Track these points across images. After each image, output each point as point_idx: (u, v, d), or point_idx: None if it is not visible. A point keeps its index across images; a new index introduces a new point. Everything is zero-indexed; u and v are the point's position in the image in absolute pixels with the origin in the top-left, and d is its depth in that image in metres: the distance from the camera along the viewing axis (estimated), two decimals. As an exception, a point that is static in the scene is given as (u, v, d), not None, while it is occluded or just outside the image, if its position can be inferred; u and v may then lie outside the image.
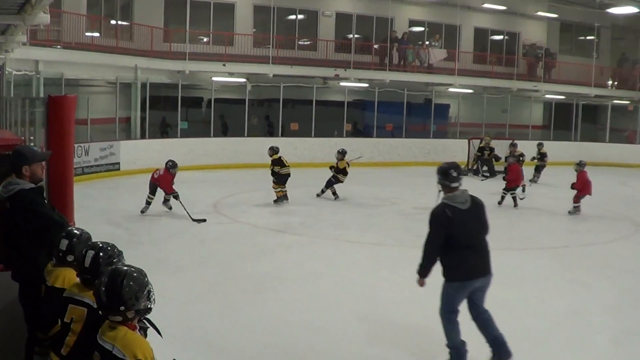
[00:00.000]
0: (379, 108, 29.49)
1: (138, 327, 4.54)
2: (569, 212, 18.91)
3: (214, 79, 26.81)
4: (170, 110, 25.74)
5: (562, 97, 35.34)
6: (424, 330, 9.21)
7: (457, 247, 7.80)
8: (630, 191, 25.19)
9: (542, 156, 25.37)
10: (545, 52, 35.99)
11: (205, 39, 28.75)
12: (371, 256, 13.51)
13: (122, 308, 4.31)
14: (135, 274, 4.42)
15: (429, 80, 31.62)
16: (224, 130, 28.22)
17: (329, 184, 19.59)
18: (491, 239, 14.69)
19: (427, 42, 32.74)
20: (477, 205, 7.93)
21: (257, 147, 25.44)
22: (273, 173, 18.66)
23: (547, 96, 35.10)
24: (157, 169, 16.85)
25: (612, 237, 16.52)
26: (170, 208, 16.72)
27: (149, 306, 4.45)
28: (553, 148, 29.38)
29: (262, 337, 8.70)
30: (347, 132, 28.84)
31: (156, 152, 23.60)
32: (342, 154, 19.65)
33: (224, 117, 28.09)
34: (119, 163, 22.91)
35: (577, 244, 15.58)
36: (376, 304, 10.36)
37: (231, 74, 27.21)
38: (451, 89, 31.99)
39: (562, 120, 34.72)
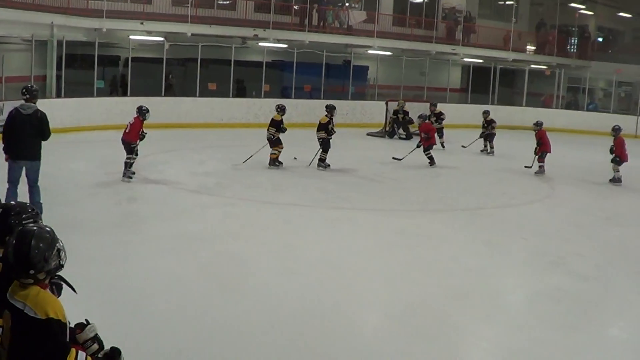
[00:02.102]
0: (298, 69, 29.74)
1: (49, 286, 4.71)
2: (535, 172, 20.13)
3: (132, 37, 26.73)
4: (87, 69, 25.53)
5: (480, 61, 36.07)
6: (338, 286, 9.77)
7: None
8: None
9: (489, 124, 25.29)
10: (465, 16, 36.49)
11: (123, -3, 28.54)
12: (288, 217, 13.89)
13: (31, 272, 4.42)
14: (43, 234, 4.51)
15: (348, 42, 31.99)
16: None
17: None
18: (407, 201, 15.21)
19: (347, 4, 33.00)
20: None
21: (174, 107, 25.52)
22: (278, 132, 18.74)
23: (466, 60, 35.76)
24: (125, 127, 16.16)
25: (527, 199, 17.23)
26: (130, 177, 16.04)
27: (60, 264, 4.56)
28: (470, 112, 30.09)
29: (178, 296, 8.93)
30: (265, 93, 28.92)
31: (72, 111, 23.58)
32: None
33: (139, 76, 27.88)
34: (34, 122, 22.64)
35: (492, 206, 16.22)
36: (291, 262, 10.78)
37: (149, 33, 27.15)
38: (370, 51, 32.39)
39: (479, 84, 35.42)
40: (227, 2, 31.01)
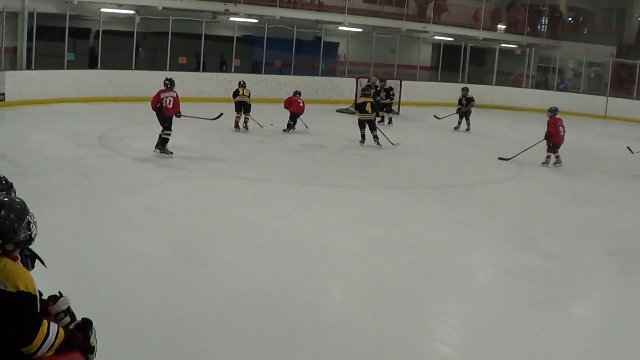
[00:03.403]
0: (268, 45, 29.67)
1: (19, 258, 4.71)
2: (543, 163, 19.13)
3: (103, 10, 26.54)
4: (58, 41, 25.35)
5: (451, 39, 36.05)
6: (306, 262, 9.84)
7: None
8: (515, 134, 25.99)
9: (468, 101, 25.40)
10: (435, -6, 36.54)
11: (95, -31, 28.28)
12: (257, 192, 13.92)
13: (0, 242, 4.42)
14: (13, 205, 4.50)
15: (319, 18, 31.93)
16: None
17: None
18: (376, 178, 15.30)
19: (319, -21, 32.90)
20: None
21: (144, 81, 25.41)
22: None
23: (436, 38, 35.77)
24: (158, 99, 16.17)
25: (495, 178, 17.31)
26: (171, 153, 16.29)
27: (30, 236, 4.54)
28: (440, 90, 30.29)
29: (147, 270, 8.96)
30: (235, 68, 28.83)
31: (42, 83, 23.46)
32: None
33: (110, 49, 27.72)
34: (3, 94, 22.72)
35: (460, 184, 16.28)
36: (259, 237, 10.75)
37: (120, 6, 26.94)
38: (341, 28, 32.37)
39: (450, 62, 35.57)
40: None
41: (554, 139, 18.89)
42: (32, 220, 4.57)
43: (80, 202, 12.07)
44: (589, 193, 16.65)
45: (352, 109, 26.02)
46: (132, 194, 12.92)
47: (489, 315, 8.50)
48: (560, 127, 18.95)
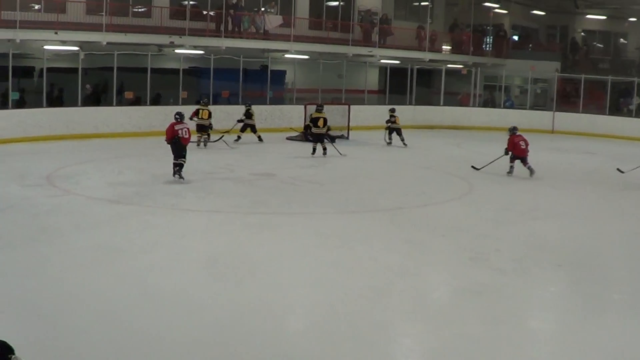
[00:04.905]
0: (215, 75, 29.58)
1: None
2: (507, 173, 20.59)
3: (46, 47, 26.30)
4: (1, 80, 25.09)
5: (397, 62, 36.20)
6: (260, 291, 9.81)
7: None
8: (464, 153, 26.18)
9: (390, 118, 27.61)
10: (381, 18, 36.70)
11: (36, 7, 28.04)
12: (207, 224, 13.88)
13: None
14: None
15: (265, 47, 31.92)
16: (58, 100, 27.71)
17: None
18: (327, 203, 15.31)
19: (262, 9, 32.89)
20: None
21: (90, 117, 25.22)
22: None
23: (383, 61, 35.94)
24: (174, 132, 17.52)
25: (446, 197, 17.46)
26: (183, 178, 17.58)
27: None
28: (388, 113, 30.09)
29: (97, 308, 8.82)
30: (182, 100, 28.70)
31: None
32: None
33: (55, 86, 27.49)
34: (-54, 136, 22.31)
35: (411, 205, 16.37)
36: (212, 269, 10.78)
37: (64, 43, 26.73)
38: (287, 55, 32.41)
39: (397, 85, 35.71)
40: (142, 9, 30.72)
41: (515, 153, 20.39)
42: None
43: (28, 243, 11.83)
44: (539, 207, 16.81)
45: (302, 136, 26.10)
46: (81, 232, 12.68)
47: (445, 333, 8.56)
48: (521, 142, 20.33)
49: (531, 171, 20.27)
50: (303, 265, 11.12)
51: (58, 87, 27.64)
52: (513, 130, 20.71)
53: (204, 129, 24.28)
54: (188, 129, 17.83)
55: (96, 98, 28.81)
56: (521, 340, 8.54)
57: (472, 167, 21.43)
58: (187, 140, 17.71)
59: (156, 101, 28.86)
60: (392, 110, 27.97)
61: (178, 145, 17.52)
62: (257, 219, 14.29)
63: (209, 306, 9.07)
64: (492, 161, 20.87)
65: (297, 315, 9.18)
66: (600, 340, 8.61)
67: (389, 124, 27.63)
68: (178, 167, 17.57)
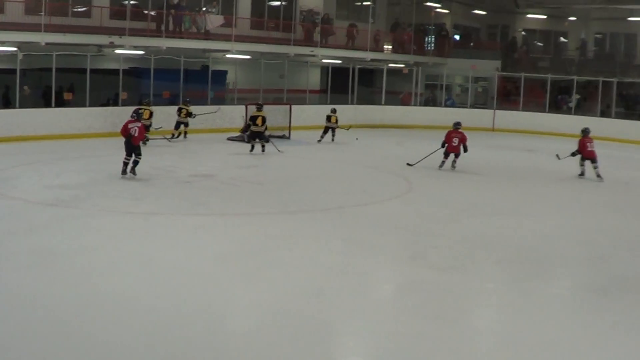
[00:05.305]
0: (156, 75, 29.29)
1: None
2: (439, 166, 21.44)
3: (-17, 48, 25.94)
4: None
5: (339, 61, 36.21)
6: (200, 293, 9.78)
7: None
8: (406, 151, 26.24)
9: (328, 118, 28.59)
10: (322, 18, 36.71)
11: (-27, 7, 27.65)
12: (147, 226, 13.74)
13: None
14: None
15: (206, 47, 31.71)
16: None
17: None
18: (267, 204, 15.26)
19: (204, 9, 32.74)
20: None
21: (29, 119, 24.91)
22: None
23: (324, 61, 35.90)
24: (128, 129, 18.21)
25: (386, 196, 17.54)
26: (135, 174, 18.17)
27: None
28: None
29: (35, 312, 8.74)
30: (123, 101, 28.43)
31: None
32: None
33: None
34: None
35: (352, 205, 16.35)
36: (151, 272, 10.69)
37: (2, 43, 26.36)
38: (228, 55, 32.21)
39: (339, 84, 35.65)
40: (82, 9, 30.38)
41: (448, 149, 21.30)
42: None
43: (-37, 248, 11.65)
44: (479, 204, 16.97)
45: (243, 136, 26.04)
46: (19, 236, 12.38)
47: (385, 331, 8.66)
48: (455, 139, 21.08)
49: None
50: (243, 266, 11.08)
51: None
52: (455, 125, 21.54)
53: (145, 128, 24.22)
54: (139, 127, 18.42)
55: (35, 99, 28.46)
56: (461, 336, 8.63)
57: (407, 164, 21.98)
58: (137, 139, 18.20)
59: (95, 102, 28.56)
60: (332, 110, 28.85)
61: (128, 144, 18.16)
62: (196, 220, 14.20)
63: (150, 309, 9.00)
64: (426, 157, 21.66)
65: (239, 317, 9.13)
66: (539, 334, 8.72)
67: (327, 123, 28.56)
68: (126, 165, 18.13)
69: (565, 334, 8.84)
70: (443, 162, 21.35)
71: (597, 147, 21.28)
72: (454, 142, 21.21)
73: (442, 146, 21.41)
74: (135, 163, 18.24)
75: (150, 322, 8.53)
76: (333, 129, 28.54)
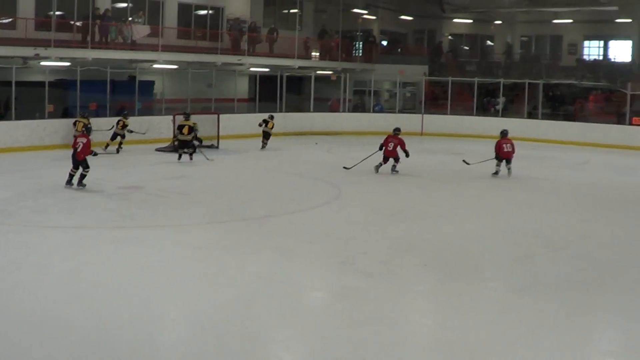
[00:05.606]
0: (82, 87, 28.96)
1: None
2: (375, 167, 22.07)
3: None
4: None
5: (267, 69, 36.23)
6: (128, 307, 9.66)
7: None
8: (334, 158, 26.35)
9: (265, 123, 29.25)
10: (249, 26, 36.67)
11: None
12: (73, 240, 13.47)
13: None
14: None
15: (132, 57, 31.46)
16: None
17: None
18: (195, 214, 15.17)
19: (130, 19, 32.51)
20: None
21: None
22: None
23: (252, 69, 35.88)
24: (75, 143, 18.38)
25: (315, 203, 17.55)
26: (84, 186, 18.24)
27: None
28: (259, 120, 30.14)
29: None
30: (49, 114, 28.06)
31: None
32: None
33: None
34: None
35: (280, 213, 16.37)
36: (79, 287, 10.48)
37: None
38: (155, 65, 31.98)
39: (267, 93, 35.63)
40: (7, 20, 29.98)
41: (385, 152, 21.97)
42: None
43: None
44: (407, 208, 17.12)
45: (172, 147, 25.96)
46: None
47: (315, 338, 8.70)
48: (391, 143, 21.97)
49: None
50: (170, 278, 10.99)
51: None
52: (394, 131, 22.45)
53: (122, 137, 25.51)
54: (84, 142, 18.26)
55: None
56: (391, 340, 8.66)
57: (344, 167, 22.48)
58: (80, 153, 18.16)
59: (21, 115, 28.18)
60: (270, 117, 29.42)
61: (72, 157, 18.32)
62: (123, 233, 14.04)
63: (76, 324, 8.87)
64: (362, 160, 22.14)
65: (166, 330, 9.05)
66: (468, 335, 8.85)
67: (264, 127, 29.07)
68: (71, 177, 18.28)
69: (493, 333, 8.97)
70: (380, 164, 21.89)
71: (525, 148, 22.00)
72: (389, 147, 21.85)
73: (380, 149, 22.01)
74: (82, 176, 18.28)
75: (76, 337, 8.41)
76: (268, 135, 28.95)
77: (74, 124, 24.19)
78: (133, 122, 27.68)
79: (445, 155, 27.98)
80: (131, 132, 26.78)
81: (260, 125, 29.14)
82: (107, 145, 26.01)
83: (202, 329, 8.86)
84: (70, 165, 18.30)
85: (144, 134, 27.88)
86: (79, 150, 18.19)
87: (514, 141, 22.43)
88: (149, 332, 8.80)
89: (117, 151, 26.03)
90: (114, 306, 9.59)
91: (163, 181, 20.00)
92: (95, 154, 18.75)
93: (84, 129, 19.47)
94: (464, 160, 23.24)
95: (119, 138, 26.43)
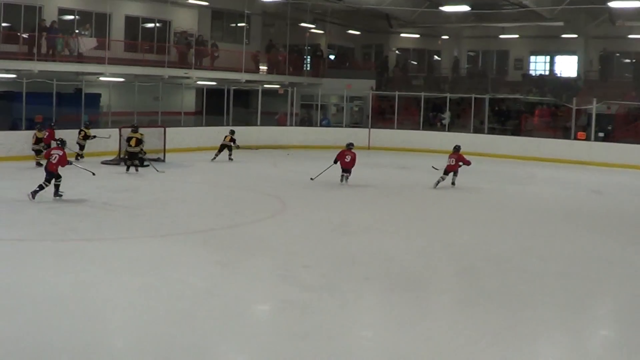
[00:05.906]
0: (28, 99, 28.70)
1: None
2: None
3: None
4: None
5: (214, 83, 36.24)
6: (68, 322, 9.57)
7: None
8: (280, 172, 26.42)
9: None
10: (197, 40, 36.67)
11: None
12: (13, 253, 13.27)
13: None
14: None
15: (79, 70, 31.33)
16: None
17: None
18: (139, 227, 15.10)
19: (77, 31, 32.37)
20: None
21: None
22: None
23: (200, 82, 35.91)
24: (48, 154, 18.81)
25: (259, 217, 17.54)
26: (61, 195, 18.50)
27: None
28: (206, 134, 30.31)
29: None
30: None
31: None
32: None
33: None
34: None
35: (223, 226, 16.35)
36: (19, 301, 10.33)
37: None
38: (102, 78, 31.90)
39: (214, 106, 35.66)
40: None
41: (342, 165, 22.92)
42: None
43: None
44: (349, 222, 17.16)
45: (117, 159, 25.89)
46: None
47: (256, 351, 8.73)
48: (347, 157, 22.87)
49: (345, 179, 22.91)
50: (111, 292, 10.92)
51: None
52: (347, 145, 23.45)
53: (39, 153, 25.22)
54: (60, 155, 18.35)
55: None
56: (332, 353, 8.71)
57: (311, 178, 23.08)
58: (52, 165, 18.20)
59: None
60: (230, 132, 29.76)
61: (45, 169, 18.49)
62: (65, 246, 13.95)
63: (13, 339, 8.75)
64: (323, 171, 22.83)
65: (104, 344, 8.95)
66: (411, 348, 8.93)
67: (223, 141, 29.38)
68: (40, 189, 18.19)
69: (435, 346, 9.05)
70: (342, 177, 22.83)
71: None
72: (346, 159, 22.81)
73: (335, 162, 22.83)
74: (56, 187, 18.42)
75: (15, 353, 8.35)
76: (229, 148, 29.07)
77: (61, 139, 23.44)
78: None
79: (392, 169, 28.18)
80: (94, 137, 27.32)
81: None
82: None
83: (143, 343, 8.87)
84: (42, 177, 18.43)
85: (108, 137, 27.83)
86: (53, 162, 18.19)
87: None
88: (90, 345, 8.75)
89: (77, 158, 26.03)
90: (55, 319, 9.54)
91: (108, 194, 19.86)
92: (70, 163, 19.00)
93: (58, 141, 19.44)
94: (433, 166, 23.50)
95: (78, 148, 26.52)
